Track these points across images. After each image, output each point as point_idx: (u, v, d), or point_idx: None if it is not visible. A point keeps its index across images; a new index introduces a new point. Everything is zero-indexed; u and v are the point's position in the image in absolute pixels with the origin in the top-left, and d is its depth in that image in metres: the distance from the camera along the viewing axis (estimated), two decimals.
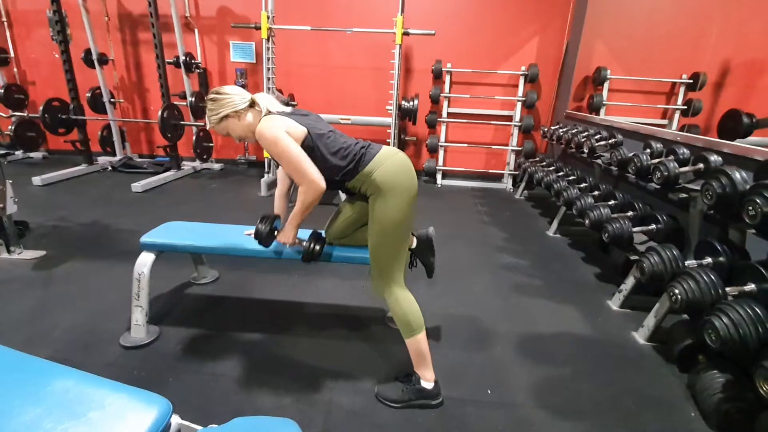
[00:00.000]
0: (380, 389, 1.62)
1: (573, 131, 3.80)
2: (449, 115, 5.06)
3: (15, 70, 5.29)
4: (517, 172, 4.98)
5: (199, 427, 1.00)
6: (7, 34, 5.12)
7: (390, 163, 1.52)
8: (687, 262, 1.86)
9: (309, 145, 1.48)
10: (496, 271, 2.80)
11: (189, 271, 2.45)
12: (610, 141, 3.21)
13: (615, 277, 2.71)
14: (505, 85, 5.03)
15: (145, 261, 1.86)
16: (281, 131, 1.43)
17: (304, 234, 1.75)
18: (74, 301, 2.18)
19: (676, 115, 4.83)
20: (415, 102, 4.51)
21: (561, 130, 4.03)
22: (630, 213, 2.59)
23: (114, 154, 5.32)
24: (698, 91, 4.63)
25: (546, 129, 4.51)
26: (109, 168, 5.07)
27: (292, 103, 4.66)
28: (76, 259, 2.66)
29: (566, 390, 1.73)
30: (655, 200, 2.70)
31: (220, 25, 5.05)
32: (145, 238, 1.89)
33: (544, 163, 4.21)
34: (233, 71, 5.20)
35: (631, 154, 2.55)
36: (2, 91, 4.89)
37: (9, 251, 2.63)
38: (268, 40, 4.10)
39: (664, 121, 4.89)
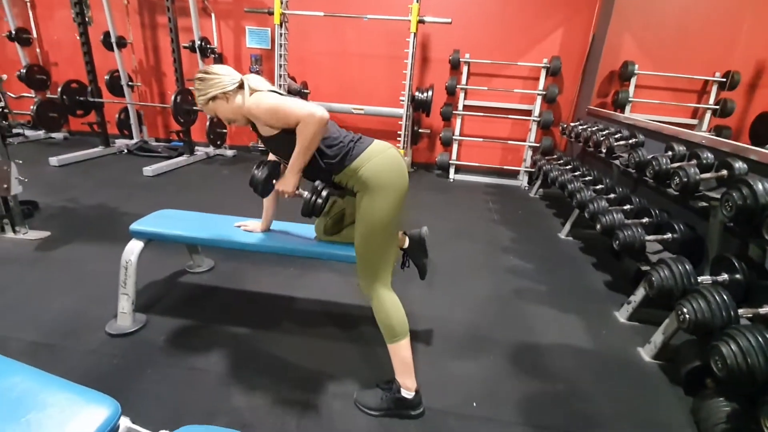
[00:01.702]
0: (359, 395, 1.56)
1: (593, 129, 3.60)
2: (465, 107, 4.90)
3: (38, 50, 5.39)
4: (533, 170, 4.80)
5: None
6: (30, 14, 5.21)
7: (379, 159, 1.44)
8: (701, 278, 1.72)
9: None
10: (498, 274, 2.69)
11: (185, 258, 2.43)
12: (630, 141, 3.02)
13: (626, 287, 2.55)
14: (525, 77, 4.83)
15: (132, 249, 1.84)
16: (276, 96, 1.40)
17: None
18: (69, 285, 2.19)
19: (707, 115, 4.53)
20: (429, 93, 4.38)
21: (580, 127, 3.83)
22: (645, 220, 2.43)
23: (131, 137, 5.40)
24: (731, 91, 4.32)
25: (565, 125, 4.31)
26: (125, 151, 5.14)
27: (305, 91, 4.60)
28: (78, 241, 2.68)
29: (559, 408, 1.63)
30: (675, 207, 2.52)
31: (237, 10, 5.00)
32: (135, 226, 1.87)
33: (561, 162, 4.03)
34: (249, 57, 5.16)
35: (650, 157, 2.38)
36: (24, 71, 5.00)
37: (14, 231, 2.68)
38: (281, 25, 4.03)
39: (694, 121, 4.61)
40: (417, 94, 4.34)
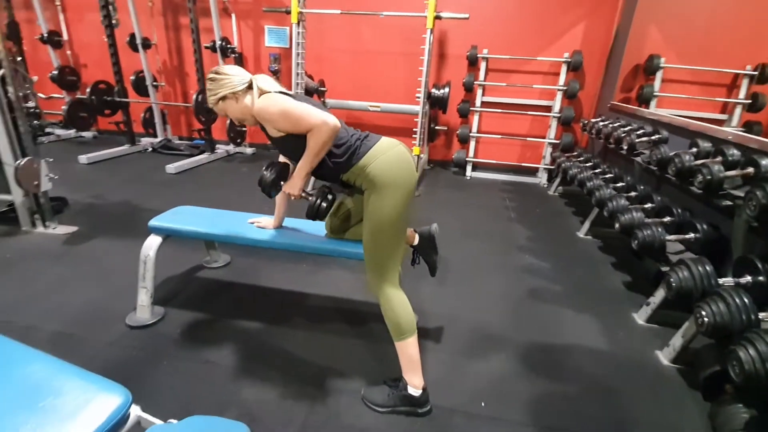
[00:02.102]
0: (366, 391, 1.58)
1: (614, 125, 3.50)
2: (483, 104, 4.83)
3: (68, 52, 5.61)
4: (552, 167, 4.70)
5: (158, 421, 1.00)
6: (61, 17, 5.43)
7: (387, 157, 1.44)
8: (723, 280, 1.65)
9: None
10: (513, 273, 2.65)
11: (202, 254, 2.50)
12: (653, 137, 2.92)
13: (646, 288, 2.47)
14: (546, 73, 4.72)
15: (151, 244, 1.90)
16: (286, 99, 1.39)
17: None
18: (93, 278, 2.29)
19: (737, 110, 4.33)
20: (446, 90, 4.34)
21: (602, 123, 3.72)
22: (666, 219, 2.35)
23: (155, 136, 5.56)
24: (764, 85, 4.11)
25: (586, 122, 4.20)
26: (150, 149, 5.30)
27: (322, 89, 4.63)
28: (103, 236, 2.79)
29: (569, 410, 1.60)
30: (699, 206, 2.43)
31: (256, 9, 5.07)
32: (154, 222, 1.94)
33: (582, 159, 3.93)
34: (267, 56, 5.23)
35: (672, 153, 2.30)
36: (56, 72, 5.22)
37: (45, 225, 2.81)
38: (298, 24, 4.06)
39: (724, 116, 4.41)
40: (433, 90, 4.30)
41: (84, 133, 5.76)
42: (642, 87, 4.37)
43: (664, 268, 2.16)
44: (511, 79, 4.76)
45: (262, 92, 1.46)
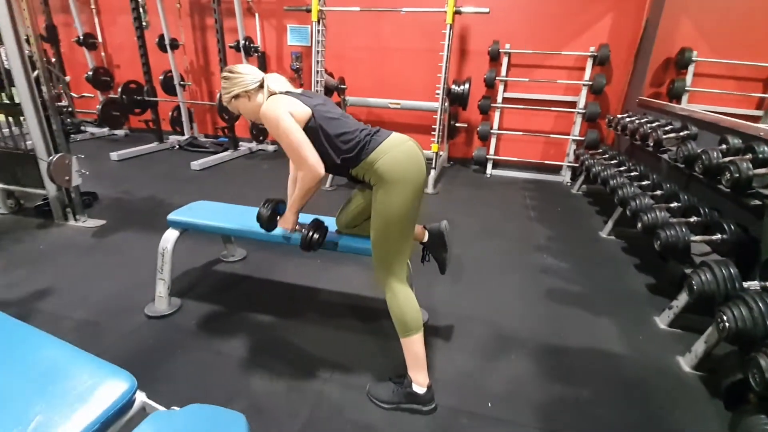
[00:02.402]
0: (372, 387, 1.58)
1: (641, 120, 3.36)
2: (505, 100, 4.73)
3: (102, 54, 5.86)
4: (576, 165, 4.56)
5: (161, 407, 1.04)
6: (96, 20, 5.67)
7: (396, 152, 1.43)
8: (748, 283, 1.57)
9: (312, 126, 1.44)
10: (530, 273, 2.59)
11: (220, 248, 2.57)
12: (681, 133, 2.78)
13: (670, 291, 2.36)
14: (570, 68, 4.58)
15: (168, 237, 1.97)
16: (284, 112, 1.41)
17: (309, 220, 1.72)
18: (118, 269, 2.39)
19: None
20: (466, 86, 4.29)
21: (627, 119, 3.58)
22: (693, 218, 2.24)
23: (182, 134, 5.74)
24: None
25: (611, 117, 4.05)
26: (177, 146, 5.48)
27: (342, 86, 4.66)
28: (128, 230, 2.91)
29: (580, 415, 1.56)
30: (729, 206, 2.30)
31: (279, 9, 5.14)
32: (172, 216, 2.00)
33: (607, 156, 3.80)
34: (290, 55, 5.31)
35: (699, 150, 2.19)
36: (91, 73, 5.46)
37: (75, 219, 2.96)
38: (318, 22, 4.10)
39: (759, 113, 4.15)
40: (453, 87, 4.25)
41: (116, 131, 6.01)
42: (673, 81, 4.17)
43: (689, 270, 2.07)
44: (534, 75, 4.64)
45: (271, 93, 1.49)
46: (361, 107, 5.03)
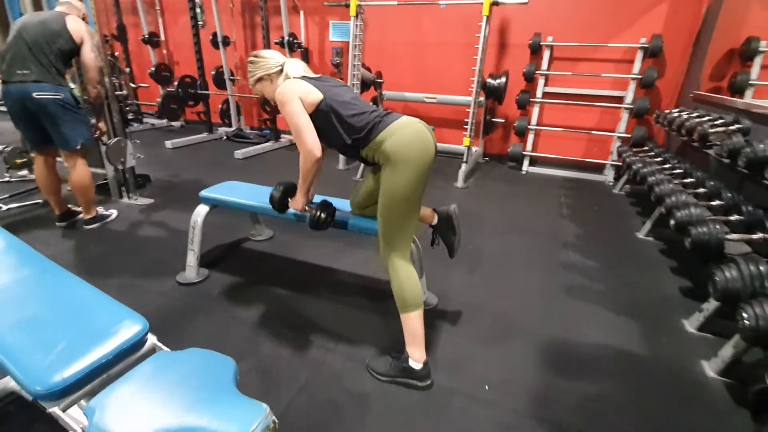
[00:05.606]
0: (371, 360, 1.64)
1: (690, 115, 3.14)
2: (545, 95, 4.59)
3: (164, 51, 6.36)
4: (620, 163, 4.32)
5: (167, 349, 1.16)
6: (159, 20, 6.17)
7: (403, 133, 1.48)
8: None
9: (324, 109, 1.51)
10: (551, 269, 2.52)
11: (249, 227, 2.74)
12: (731, 127, 2.58)
13: (706, 295, 2.21)
14: (618, 60, 4.35)
15: (199, 211, 2.14)
16: (293, 95, 1.49)
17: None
18: (160, 241, 2.64)
19: None
20: (503, 80, 4.21)
21: (675, 114, 3.35)
22: (734, 217, 2.08)
23: (230, 125, 6.10)
24: None
25: (659, 113, 3.80)
26: (225, 137, 5.83)
27: (379, 80, 4.73)
28: (172, 208, 3.18)
29: (582, 409, 1.50)
30: None
31: (322, 6, 5.31)
32: (204, 192, 2.18)
33: (652, 153, 3.58)
34: (331, 50, 5.47)
35: (743, 142, 2.03)
36: (154, 69, 5.95)
37: (129, 197, 3.27)
38: (356, 17, 4.21)
39: None
40: (489, 80, 4.19)
41: (174, 123, 6.50)
42: (735, 74, 3.84)
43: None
44: (577, 68, 4.46)
45: (287, 77, 1.58)
46: (398, 101, 5.08)
